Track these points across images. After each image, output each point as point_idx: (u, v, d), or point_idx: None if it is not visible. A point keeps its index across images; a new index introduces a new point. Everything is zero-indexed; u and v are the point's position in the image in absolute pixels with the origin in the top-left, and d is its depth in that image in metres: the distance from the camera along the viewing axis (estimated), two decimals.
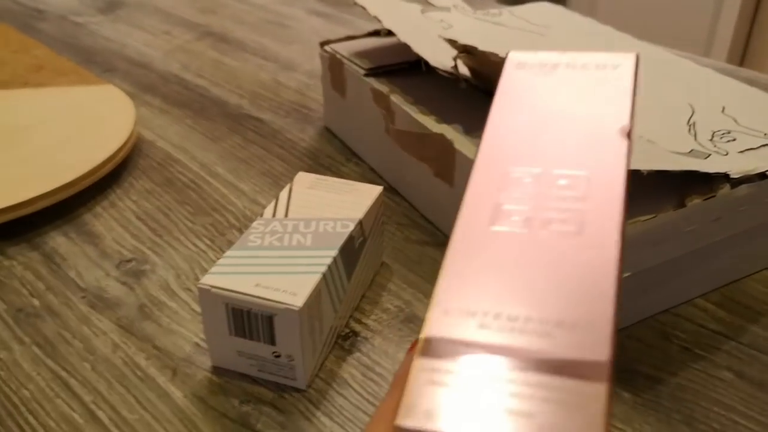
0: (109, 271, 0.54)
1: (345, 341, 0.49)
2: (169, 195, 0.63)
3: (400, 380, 0.25)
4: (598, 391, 0.19)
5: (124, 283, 0.53)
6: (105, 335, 0.49)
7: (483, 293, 0.22)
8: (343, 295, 0.48)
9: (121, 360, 0.47)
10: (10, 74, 0.77)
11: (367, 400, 0.45)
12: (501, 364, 0.20)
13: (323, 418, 0.43)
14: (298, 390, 0.45)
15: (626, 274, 0.45)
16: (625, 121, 0.26)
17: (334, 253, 0.46)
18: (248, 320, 0.43)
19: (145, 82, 0.86)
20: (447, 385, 0.20)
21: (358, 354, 0.48)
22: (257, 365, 0.45)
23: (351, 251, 0.48)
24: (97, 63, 0.91)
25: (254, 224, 0.48)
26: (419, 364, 0.21)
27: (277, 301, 0.42)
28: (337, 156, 0.70)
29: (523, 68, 0.30)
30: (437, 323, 0.21)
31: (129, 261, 0.56)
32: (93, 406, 0.44)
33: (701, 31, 2.11)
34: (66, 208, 0.61)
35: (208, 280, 0.43)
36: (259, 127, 0.76)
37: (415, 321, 0.50)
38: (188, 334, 0.49)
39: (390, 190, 0.65)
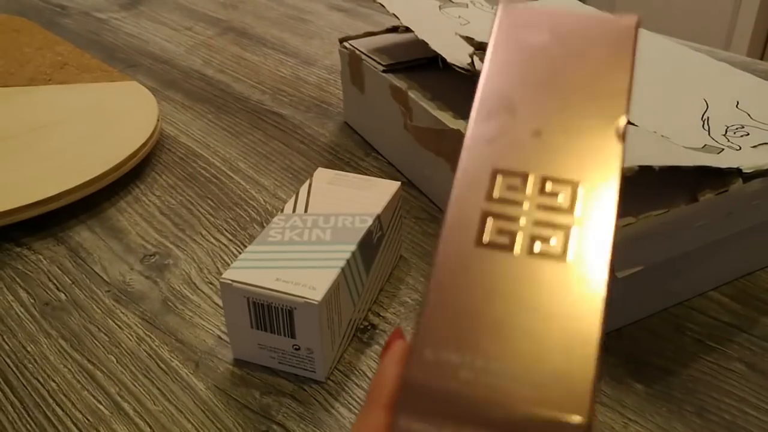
0: (133, 265, 0.56)
1: (363, 334, 0.50)
2: (192, 190, 0.65)
3: (376, 393, 0.24)
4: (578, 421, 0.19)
5: (147, 277, 0.55)
6: (129, 328, 0.50)
7: (464, 340, 0.21)
8: (361, 288, 0.49)
9: (145, 353, 0.48)
10: (34, 71, 0.79)
11: None
12: (478, 415, 0.20)
13: (342, 409, 0.44)
14: (317, 382, 0.46)
15: (639, 268, 0.46)
16: (622, 121, 0.24)
17: (352, 247, 0.47)
18: (269, 314, 0.44)
19: (167, 78, 0.87)
20: None
21: (376, 346, 0.49)
22: (278, 358, 0.46)
23: (369, 246, 0.49)
24: (119, 59, 0.92)
25: (275, 219, 0.49)
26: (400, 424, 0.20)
27: (297, 295, 0.43)
28: (356, 151, 0.71)
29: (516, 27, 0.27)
30: (417, 368, 0.21)
31: (152, 255, 0.57)
32: (118, 398, 0.45)
33: (721, 24, 2.10)
34: (91, 203, 0.62)
35: (230, 274, 0.44)
36: (280, 122, 0.77)
37: None
38: (210, 328, 0.50)
39: (408, 184, 0.65)
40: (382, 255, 0.52)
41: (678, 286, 0.51)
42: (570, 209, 0.23)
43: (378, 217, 0.50)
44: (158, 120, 0.70)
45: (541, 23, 0.26)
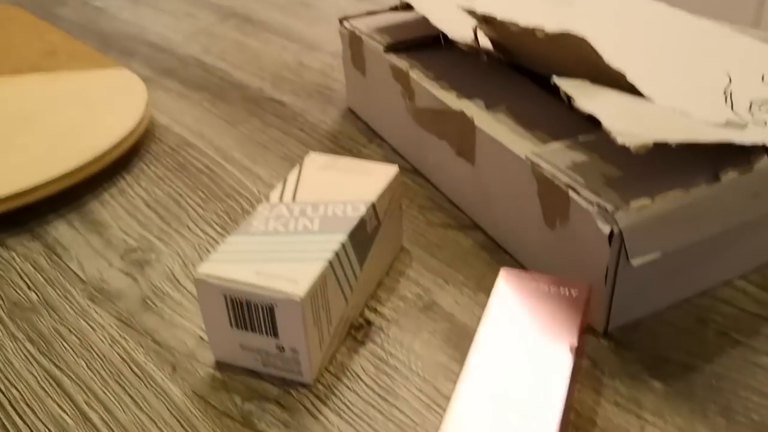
0: (112, 262, 0.52)
1: (358, 332, 0.45)
2: (181, 181, 0.61)
3: None
4: None
5: (127, 274, 0.51)
6: (103, 330, 0.46)
7: None
8: (354, 283, 0.44)
9: (118, 356, 0.44)
10: (20, 60, 0.75)
11: (379, 395, 0.41)
12: None
13: (330, 415, 0.40)
14: (304, 385, 0.42)
15: (656, 255, 0.41)
16: (573, 340, 0.37)
17: (342, 238, 0.42)
18: (248, 311, 0.40)
19: (164, 66, 0.83)
20: None
21: (371, 345, 0.44)
22: (261, 359, 0.42)
23: (363, 236, 0.45)
24: (115, 47, 0.88)
25: (258, 208, 0.45)
26: None
27: (277, 291, 0.39)
28: (358, 137, 0.67)
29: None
30: None
31: (134, 250, 0.53)
32: (85, 407, 0.41)
33: (749, 1, 2.03)
34: (72, 196, 0.59)
35: (205, 268, 0.40)
36: (280, 110, 0.72)
37: (434, 308, 0.47)
38: (191, 327, 0.46)
39: (413, 171, 0.61)
40: (378, 246, 0.47)
41: (700, 274, 0.46)
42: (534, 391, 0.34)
43: (373, 205, 0.46)
44: (147, 108, 0.66)
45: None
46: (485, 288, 0.48)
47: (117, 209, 0.57)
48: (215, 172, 0.62)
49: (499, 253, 0.51)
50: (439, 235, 0.53)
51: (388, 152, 0.64)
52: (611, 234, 0.40)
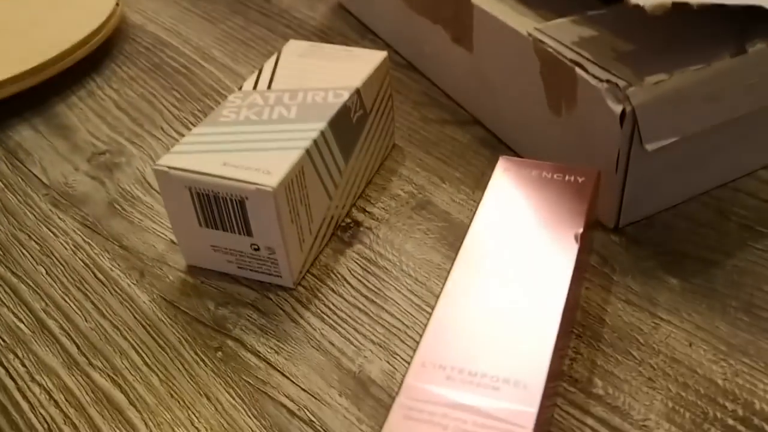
0: (79, 166, 0.48)
1: (344, 233, 0.41)
2: (156, 81, 0.56)
3: None
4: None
5: (94, 178, 0.46)
6: (66, 235, 0.42)
7: (453, 353, 0.27)
8: (338, 178, 0.40)
9: (81, 262, 0.40)
10: None
11: (367, 297, 0.37)
12: (459, 407, 0.25)
13: (313, 319, 0.36)
14: (285, 289, 0.38)
15: (673, 139, 0.37)
16: (579, 228, 0.32)
17: (321, 125, 0.38)
18: (217, 207, 0.36)
19: None
20: (418, 420, 0.25)
21: (359, 246, 0.40)
22: (236, 262, 0.38)
23: (347, 126, 0.40)
24: None
25: (230, 98, 0.41)
26: (399, 402, 0.26)
27: (247, 182, 0.34)
28: (350, 33, 0.62)
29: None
30: (415, 373, 0.27)
31: (102, 153, 0.49)
32: (43, 315, 0.37)
33: None
34: (37, 98, 0.54)
35: (167, 160, 0.36)
36: (265, 6, 0.67)
37: (429, 207, 0.43)
38: (163, 232, 0.42)
39: (408, 66, 0.56)
40: (366, 140, 0.43)
41: (721, 163, 0.41)
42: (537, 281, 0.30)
43: (357, 92, 0.41)
44: (117, 4, 0.61)
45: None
46: (485, 185, 0.44)
47: (85, 112, 0.53)
48: (193, 71, 0.57)
49: (500, 149, 0.47)
50: (435, 131, 0.49)
51: (382, 48, 0.59)
52: (623, 114, 0.35)
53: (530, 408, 0.26)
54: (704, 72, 0.36)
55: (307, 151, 0.36)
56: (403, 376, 0.27)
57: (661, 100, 0.36)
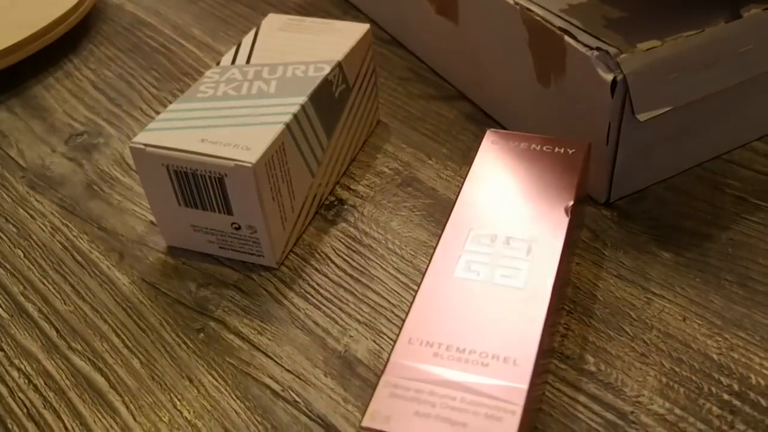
0: (56, 147, 0.46)
1: (328, 211, 0.40)
2: (134, 61, 0.55)
3: None
4: (516, 409, 0.24)
5: (71, 159, 0.45)
6: (44, 218, 0.41)
7: (440, 329, 0.27)
8: (321, 154, 0.39)
9: (59, 245, 0.39)
10: None
11: (352, 277, 0.36)
12: (447, 384, 0.25)
13: (296, 299, 0.35)
14: (268, 269, 0.37)
15: (666, 108, 0.36)
16: (570, 200, 0.31)
17: (302, 100, 0.37)
18: (196, 185, 0.35)
19: None
20: (404, 398, 0.24)
21: (343, 225, 0.39)
22: (217, 242, 0.37)
23: (329, 101, 0.39)
24: None
25: (207, 73, 0.40)
26: (385, 380, 0.25)
27: (226, 158, 0.33)
28: (332, 10, 0.60)
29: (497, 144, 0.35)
30: (402, 350, 0.26)
31: (80, 135, 0.47)
32: (21, 298, 0.36)
33: None
34: (13, 80, 0.53)
35: (143, 138, 0.35)
36: None
37: (414, 184, 0.42)
38: (143, 213, 0.41)
39: (392, 42, 0.55)
40: (350, 116, 0.42)
41: (715, 135, 0.40)
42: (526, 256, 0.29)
43: (339, 65, 0.40)
44: None
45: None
46: (472, 161, 0.43)
47: (62, 92, 0.51)
48: (172, 50, 0.56)
49: (488, 124, 0.46)
50: (421, 107, 0.48)
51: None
52: (614, 82, 0.34)
53: (521, 384, 0.25)
54: (698, 38, 0.35)
55: (288, 126, 0.35)
56: (389, 353, 0.26)
57: (654, 68, 0.35)
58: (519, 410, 0.24)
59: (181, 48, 0.56)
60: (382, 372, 0.25)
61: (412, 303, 0.28)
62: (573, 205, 0.31)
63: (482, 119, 0.46)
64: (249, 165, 0.33)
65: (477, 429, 0.23)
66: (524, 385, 0.25)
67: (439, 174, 0.42)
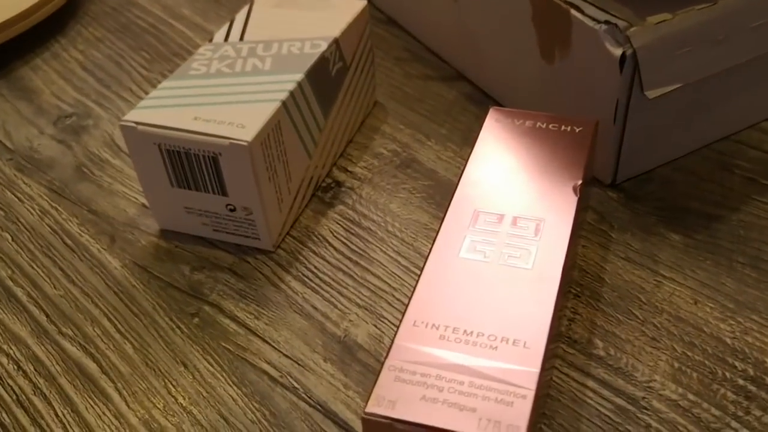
0: (44, 129, 0.45)
1: (325, 193, 0.39)
2: (123, 42, 0.53)
3: None
4: (527, 394, 0.23)
5: (60, 142, 0.44)
6: (32, 201, 0.40)
7: (446, 311, 0.25)
8: (318, 134, 0.38)
9: (48, 228, 0.38)
10: None
11: (350, 259, 0.35)
12: (454, 368, 0.24)
13: (294, 283, 0.34)
14: (264, 252, 0.36)
15: (675, 86, 0.34)
16: (578, 179, 0.30)
17: (298, 77, 0.36)
18: (189, 165, 0.33)
19: None
20: (410, 382, 0.23)
21: (341, 207, 0.38)
22: (211, 224, 0.36)
23: (326, 79, 0.38)
24: None
25: (200, 50, 0.38)
26: (389, 363, 0.24)
27: (220, 136, 0.32)
28: None
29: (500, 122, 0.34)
30: (406, 333, 0.25)
31: (69, 116, 0.46)
32: (9, 282, 0.35)
33: None
34: None
35: (134, 116, 0.34)
36: None
37: (414, 166, 0.40)
38: (133, 195, 0.40)
39: (388, 22, 0.54)
40: (347, 95, 0.41)
41: (724, 114, 0.39)
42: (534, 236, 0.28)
43: (336, 42, 0.39)
44: None
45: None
46: (474, 142, 0.42)
47: (50, 74, 0.50)
48: (162, 30, 0.54)
49: (488, 104, 0.45)
50: (419, 87, 0.47)
51: None
52: (623, 57, 0.33)
53: (532, 368, 0.24)
54: (710, 11, 0.34)
55: (284, 104, 0.34)
56: (393, 336, 0.25)
57: (664, 42, 0.34)
58: (531, 395, 0.23)
59: (171, 28, 0.55)
60: (386, 356, 0.24)
61: (416, 284, 0.27)
62: (581, 184, 0.30)
63: (482, 99, 0.45)
64: (244, 143, 0.32)
65: (487, 414, 0.22)
66: (536, 369, 0.24)
67: (439, 155, 0.41)
